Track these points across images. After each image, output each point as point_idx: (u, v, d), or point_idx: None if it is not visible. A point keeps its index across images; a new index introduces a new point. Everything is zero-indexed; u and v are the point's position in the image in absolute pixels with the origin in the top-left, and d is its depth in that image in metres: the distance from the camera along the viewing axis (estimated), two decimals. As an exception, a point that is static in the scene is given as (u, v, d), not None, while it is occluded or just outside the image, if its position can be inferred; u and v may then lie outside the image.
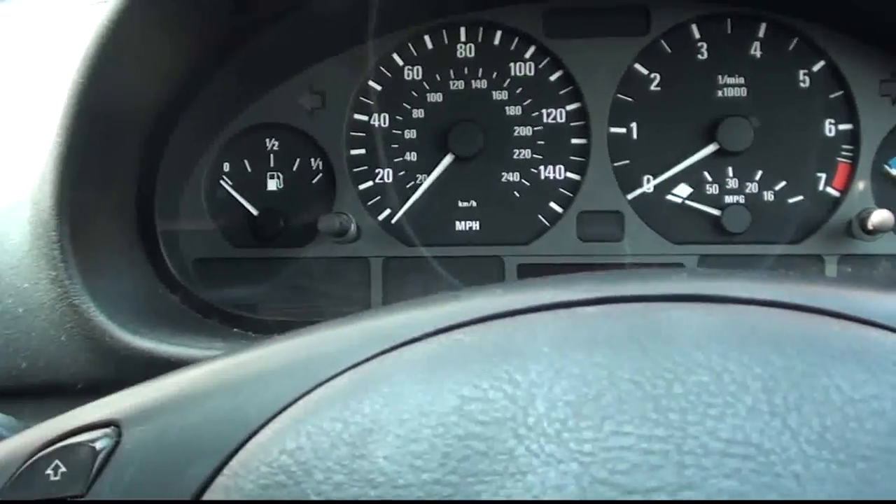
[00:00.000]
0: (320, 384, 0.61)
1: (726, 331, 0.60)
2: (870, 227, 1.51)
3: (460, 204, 1.61)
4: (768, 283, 0.68)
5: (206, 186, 1.62)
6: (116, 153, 1.38)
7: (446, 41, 1.63)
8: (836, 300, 0.64)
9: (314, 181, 1.62)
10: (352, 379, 0.61)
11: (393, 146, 1.62)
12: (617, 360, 0.57)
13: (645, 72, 1.61)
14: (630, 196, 1.60)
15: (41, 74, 1.51)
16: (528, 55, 1.62)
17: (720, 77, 1.60)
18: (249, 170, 1.63)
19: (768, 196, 1.60)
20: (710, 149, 1.58)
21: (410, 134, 1.62)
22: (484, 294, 0.70)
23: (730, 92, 1.60)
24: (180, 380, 0.68)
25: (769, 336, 0.59)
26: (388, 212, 1.61)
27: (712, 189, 1.60)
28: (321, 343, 0.67)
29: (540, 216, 1.61)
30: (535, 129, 1.61)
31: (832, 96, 1.60)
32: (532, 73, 1.62)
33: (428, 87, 1.62)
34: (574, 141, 1.61)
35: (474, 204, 1.61)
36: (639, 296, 0.66)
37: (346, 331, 0.68)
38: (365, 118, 1.63)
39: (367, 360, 0.62)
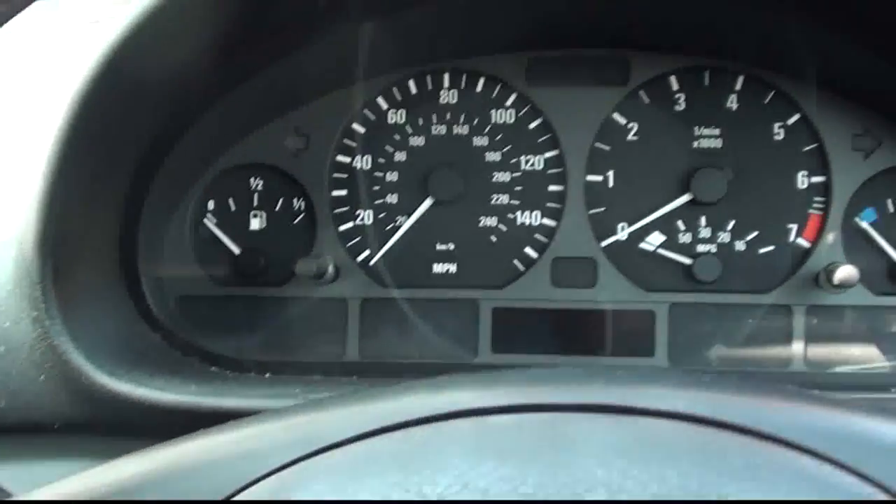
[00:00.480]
0: (240, 489, 0.64)
1: (629, 445, 0.63)
2: (835, 281, 1.54)
3: (438, 247, 1.65)
4: (678, 393, 0.72)
5: (191, 224, 1.66)
6: (100, 192, 1.43)
7: (430, 86, 1.67)
8: (742, 413, 0.67)
9: (296, 221, 1.67)
10: (272, 485, 0.65)
11: (374, 188, 1.66)
12: (522, 473, 0.61)
13: (623, 121, 1.64)
14: (604, 243, 1.63)
15: (28, 111, 1.56)
16: (508, 102, 1.66)
17: (697, 128, 1.63)
18: (233, 209, 1.67)
19: (740, 246, 1.63)
20: (684, 199, 1.62)
21: (392, 176, 1.66)
22: (407, 395, 0.74)
23: (706, 143, 1.63)
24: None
25: (669, 451, 0.63)
26: (367, 253, 1.65)
27: (685, 238, 1.63)
28: (244, 441, 0.70)
29: (516, 261, 1.65)
30: (514, 174, 1.65)
31: (806, 149, 1.63)
32: (512, 120, 1.65)
33: (410, 131, 1.66)
34: (551, 187, 1.65)
35: (452, 247, 1.65)
36: (551, 405, 0.69)
37: (269, 430, 0.71)
38: (348, 160, 1.67)
39: (288, 465, 0.65)
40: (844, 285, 1.54)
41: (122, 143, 1.42)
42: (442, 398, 0.72)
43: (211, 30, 1.41)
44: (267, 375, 1.58)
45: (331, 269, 1.60)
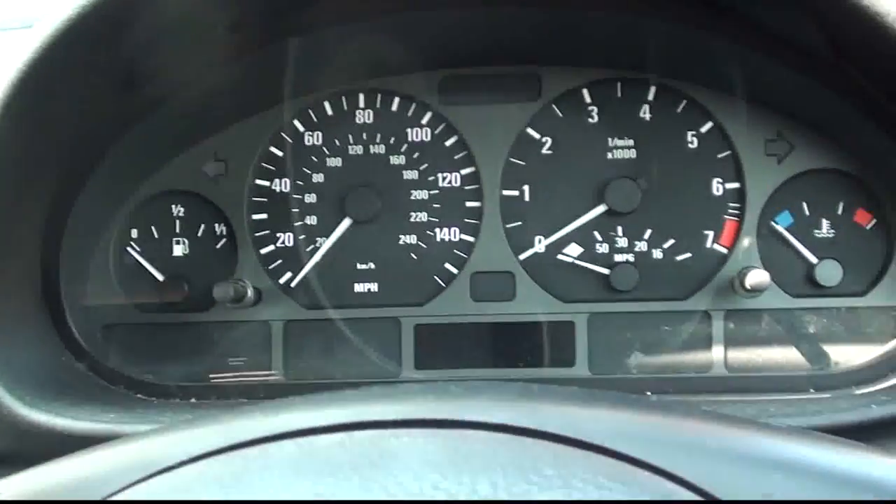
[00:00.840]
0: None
1: (443, 458, 0.65)
2: (748, 286, 1.56)
3: (359, 266, 1.67)
4: (496, 405, 0.74)
5: (114, 253, 1.68)
6: (18, 223, 1.44)
7: (345, 107, 1.68)
8: (557, 422, 0.69)
9: (218, 246, 1.68)
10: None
11: (293, 210, 1.68)
12: (339, 490, 0.63)
13: (537, 136, 1.66)
14: (522, 256, 1.65)
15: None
16: (424, 121, 1.67)
17: (610, 139, 1.65)
18: (156, 236, 1.69)
19: (657, 254, 1.65)
20: (600, 210, 1.63)
21: (310, 198, 1.67)
22: (240, 418, 0.76)
23: (620, 154, 1.65)
24: None
25: (482, 463, 0.65)
26: (288, 275, 1.67)
27: (602, 248, 1.65)
28: (75, 469, 0.72)
29: (436, 277, 1.67)
30: (431, 192, 1.67)
31: (719, 156, 1.64)
32: (428, 139, 1.67)
33: (327, 152, 1.68)
34: (468, 203, 1.66)
35: (372, 266, 1.67)
36: (372, 422, 0.71)
37: (102, 457, 0.74)
38: (267, 183, 1.68)
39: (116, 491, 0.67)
40: (756, 290, 1.57)
41: (35, 175, 1.43)
42: (273, 420, 0.74)
43: (115, 61, 1.43)
44: (192, 400, 1.60)
45: (250, 292, 1.62)
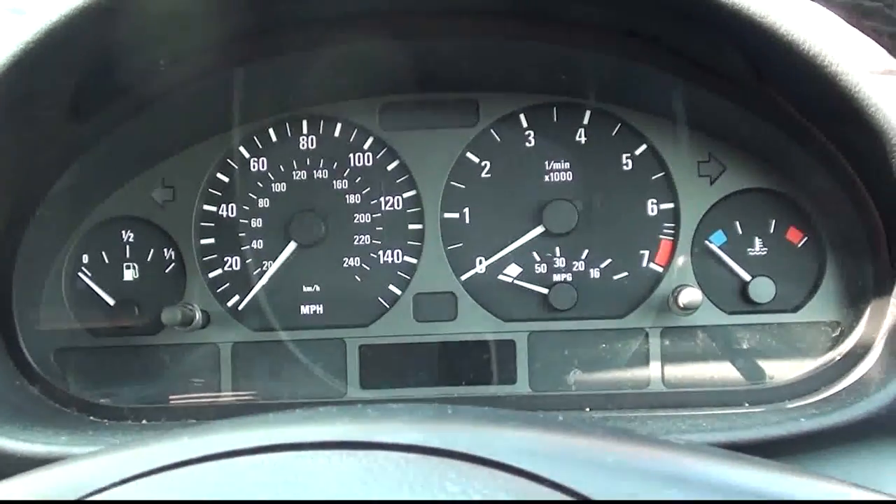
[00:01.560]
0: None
1: (356, 478, 0.70)
2: (681, 304, 1.60)
3: (305, 289, 1.71)
4: (407, 426, 0.78)
5: (66, 278, 1.72)
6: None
7: (289, 134, 1.73)
8: (463, 441, 0.73)
9: (167, 271, 1.72)
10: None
11: (240, 235, 1.72)
12: None
13: (476, 160, 1.70)
14: (463, 277, 1.69)
15: None
16: (366, 146, 1.72)
17: (547, 163, 1.70)
18: (107, 261, 1.73)
19: (594, 273, 1.69)
20: (537, 231, 1.68)
21: (256, 223, 1.72)
22: (156, 442, 0.80)
23: (556, 177, 1.69)
24: None
25: (393, 482, 0.69)
26: (236, 298, 1.71)
27: (540, 268, 1.69)
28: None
29: (380, 298, 1.71)
30: (374, 215, 1.71)
31: (654, 177, 1.69)
32: (370, 163, 1.72)
33: (272, 178, 1.72)
34: (411, 226, 1.71)
35: (318, 288, 1.71)
36: (289, 444, 0.76)
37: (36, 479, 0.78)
38: (214, 209, 1.72)
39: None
40: (690, 308, 1.61)
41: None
42: (196, 442, 0.78)
43: (62, 91, 1.47)
44: (143, 422, 1.64)
45: (198, 316, 1.66)
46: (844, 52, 1.33)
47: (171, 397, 1.69)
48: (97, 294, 1.72)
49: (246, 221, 1.72)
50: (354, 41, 1.56)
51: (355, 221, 1.71)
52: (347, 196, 1.71)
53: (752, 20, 1.32)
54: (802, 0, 1.23)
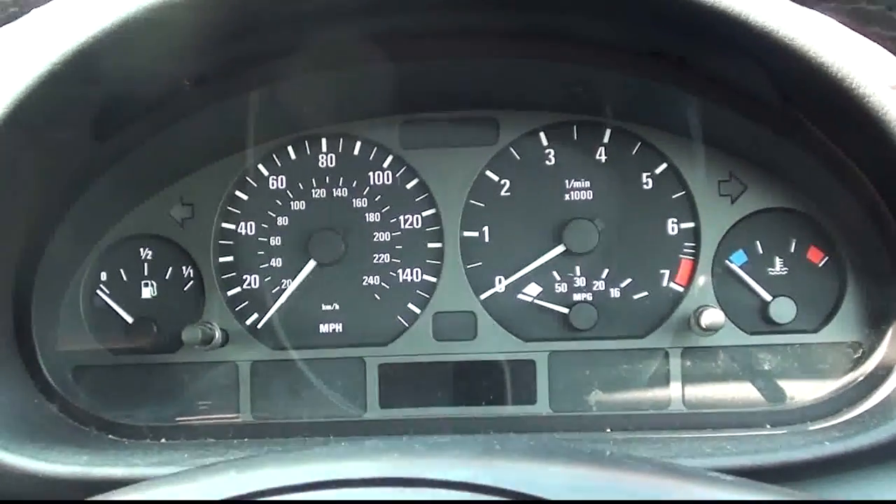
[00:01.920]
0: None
1: None
2: (703, 325, 1.59)
3: (324, 307, 1.71)
4: (461, 461, 0.79)
5: (84, 295, 1.72)
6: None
7: (308, 152, 1.73)
8: (516, 478, 0.74)
9: (186, 288, 1.72)
10: None
11: (259, 253, 1.71)
12: None
13: (496, 178, 1.70)
14: (483, 296, 1.69)
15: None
16: (385, 164, 1.71)
17: (567, 181, 1.69)
18: (125, 279, 1.72)
19: (614, 293, 1.68)
20: (558, 250, 1.67)
21: (275, 241, 1.71)
22: (204, 477, 0.80)
23: (576, 195, 1.69)
24: None
25: None
26: (255, 316, 1.71)
27: (561, 288, 1.69)
28: None
29: (399, 317, 1.70)
30: (394, 234, 1.70)
31: (674, 196, 1.68)
32: (390, 182, 1.71)
33: (291, 196, 1.72)
34: (430, 245, 1.70)
35: (337, 307, 1.71)
36: (342, 480, 0.76)
37: None
38: (232, 227, 1.72)
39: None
40: (711, 329, 1.60)
41: (7, 222, 1.47)
42: (246, 478, 0.79)
43: (85, 113, 1.47)
44: (162, 440, 1.63)
45: (218, 334, 1.65)
46: (871, 73, 1.33)
47: (189, 416, 1.68)
48: (115, 312, 1.72)
49: (265, 239, 1.71)
50: (374, 62, 1.55)
51: (375, 240, 1.70)
52: (367, 214, 1.70)
53: (782, 43, 1.32)
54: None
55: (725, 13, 1.30)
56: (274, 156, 1.72)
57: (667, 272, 1.68)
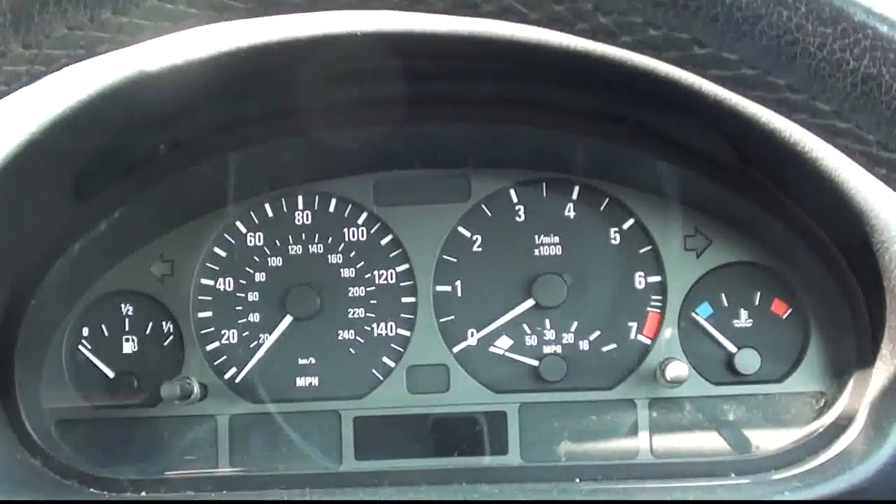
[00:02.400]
0: None
1: None
2: (668, 377, 1.64)
3: (300, 361, 1.75)
4: None
5: (67, 350, 1.76)
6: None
7: (285, 209, 1.77)
8: None
9: (165, 343, 1.76)
10: None
11: (237, 308, 1.76)
12: None
13: (468, 234, 1.75)
14: (455, 349, 1.73)
15: None
16: (360, 221, 1.76)
17: (537, 237, 1.74)
18: (107, 334, 1.76)
19: (583, 345, 1.73)
20: (528, 304, 1.72)
21: (253, 296, 1.75)
22: None
23: (546, 250, 1.74)
24: None
25: None
26: (233, 371, 1.75)
27: (531, 341, 1.73)
28: None
29: (374, 370, 1.74)
30: (368, 289, 1.75)
31: (641, 251, 1.73)
32: (364, 238, 1.76)
33: (269, 252, 1.76)
34: (404, 299, 1.75)
35: (313, 361, 1.75)
36: None
37: None
38: (211, 282, 1.76)
39: None
40: (676, 381, 1.65)
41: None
42: None
43: (64, 177, 1.52)
44: (143, 494, 1.67)
45: (196, 389, 1.69)
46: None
47: (169, 470, 1.72)
48: (97, 367, 1.75)
49: (243, 295, 1.76)
50: (349, 125, 1.60)
51: (350, 295, 1.75)
52: (342, 270, 1.75)
53: (735, 110, 1.37)
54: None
55: (679, 82, 1.35)
56: (252, 213, 1.77)
57: (634, 325, 1.73)
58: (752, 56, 0.66)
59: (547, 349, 1.73)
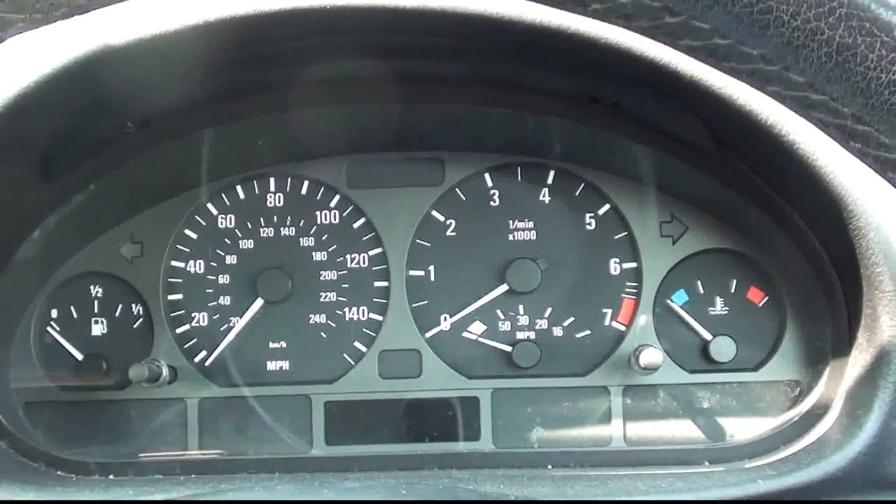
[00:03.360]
0: None
1: None
2: (642, 364, 1.62)
3: (271, 345, 1.73)
4: None
5: (35, 332, 1.73)
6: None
7: (257, 191, 1.75)
8: None
9: (135, 326, 1.74)
10: None
11: (207, 291, 1.74)
12: None
13: (441, 218, 1.73)
14: (428, 334, 1.71)
15: None
16: (332, 204, 1.74)
17: (511, 222, 1.72)
18: (75, 316, 1.74)
19: (557, 332, 1.71)
20: (501, 289, 1.70)
21: (224, 279, 1.73)
22: None
23: (520, 235, 1.72)
24: None
25: None
26: (203, 354, 1.73)
27: (504, 326, 1.71)
28: None
29: (345, 355, 1.73)
30: (340, 272, 1.73)
31: (617, 237, 1.71)
32: (336, 221, 1.73)
33: (240, 235, 1.74)
34: (376, 283, 1.73)
35: (284, 345, 1.73)
36: None
37: None
38: (182, 265, 1.74)
39: None
40: (650, 368, 1.63)
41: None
42: None
43: (31, 155, 1.49)
44: (110, 477, 1.65)
45: (165, 372, 1.67)
46: (799, 120, 1.36)
47: (138, 453, 1.70)
48: (65, 348, 1.73)
49: (213, 277, 1.74)
50: (323, 104, 1.58)
51: (321, 278, 1.73)
52: (314, 253, 1.73)
53: (712, 91, 1.35)
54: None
55: (654, 62, 1.33)
56: (223, 195, 1.75)
57: (609, 311, 1.71)
58: (723, 25, 0.64)
59: (520, 335, 1.71)
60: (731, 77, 0.71)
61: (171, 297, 1.73)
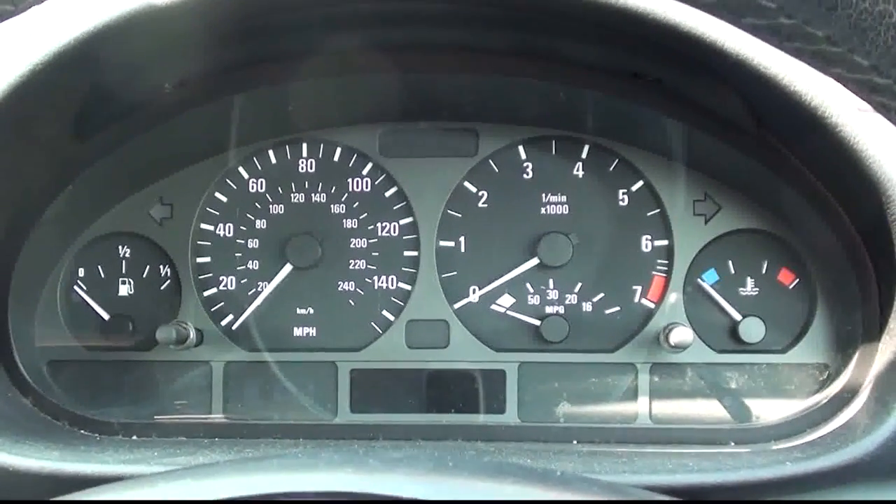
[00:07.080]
0: None
1: None
2: (672, 342, 1.61)
3: (298, 311, 1.72)
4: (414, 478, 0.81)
5: (62, 291, 1.73)
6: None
7: (289, 156, 1.74)
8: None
9: (162, 287, 1.73)
10: None
11: (236, 255, 1.73)
12: None
13: (473, 189, 1.71)
14: (456, 305, 1.70)
15: None
16: (364, 172, 1.73)
17: (544, 195, 1.71)
18: (103, 276, 1.74)
19: (586, 307, 1.70)
20: (532, 263, 1.69)
21: (253, 243, 1.73)
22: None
23: (552, 209, 1.71)
24: None
25: None
26: (230, 318, 1.72)
27: (533, 300, 1.71)
28: None
29: (373, 323, 1.72)
30: (370, 241, 1.72)
31: (649, 214, 1.70)
32: (368, 189, 1.72)
33: (270, 199, 1.73)
34: (406, 253, 1.72)
35: (311, 311, 1.72)
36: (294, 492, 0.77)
37: None
38: (211, 228, 1.73)
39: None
40: (680, 346, 1.62)
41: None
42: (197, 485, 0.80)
43: (66, 113, 1.48)
44: (133, 437, 1.65)
45: (192, 334, 1.67)
46: (843, 102, 1.35)
47: (161, 415, 1.70)
48: (92, 308, 1.73)
49: (242, 242, 1.73)
50: (357, 72, 1.57)
51: (351, 246, 1.72)
52: (344, 220, 1.72)
53: (757, 70, 1.34)
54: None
55: (701, 39, 1.32)
56: (255, 159, 1.74)
57: (639, 288, 1.70)
58: (790, 4, 0.63)
59: (549, 309, 1.70)
60: (793, 57, 0.70)
61: (199, 260, 1.72)
